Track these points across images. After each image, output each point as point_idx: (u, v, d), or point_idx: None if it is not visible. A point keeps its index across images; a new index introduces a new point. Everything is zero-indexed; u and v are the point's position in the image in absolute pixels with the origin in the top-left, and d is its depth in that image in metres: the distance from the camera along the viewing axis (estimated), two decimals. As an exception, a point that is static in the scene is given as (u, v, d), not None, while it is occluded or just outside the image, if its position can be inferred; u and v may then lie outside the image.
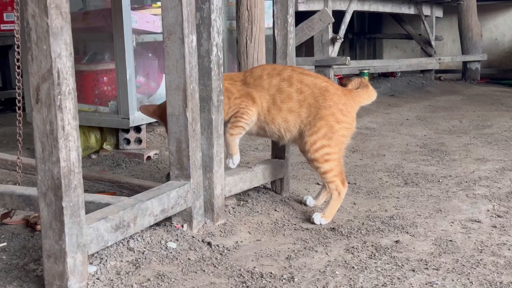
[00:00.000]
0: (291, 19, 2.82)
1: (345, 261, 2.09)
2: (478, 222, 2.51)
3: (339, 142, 2.52)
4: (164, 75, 3.96)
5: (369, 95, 2.65)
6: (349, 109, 2.55)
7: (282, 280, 1.94)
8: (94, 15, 3.92)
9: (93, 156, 3.77)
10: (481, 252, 2.18)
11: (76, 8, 4.20)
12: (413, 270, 2.01)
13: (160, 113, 2.53)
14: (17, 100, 2.32)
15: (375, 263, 2.07)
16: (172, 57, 2.21)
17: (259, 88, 2.53)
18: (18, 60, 2.29)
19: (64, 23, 1.64)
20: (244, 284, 1.91)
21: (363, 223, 2.50)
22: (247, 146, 4.01)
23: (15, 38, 2.29)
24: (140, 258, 2.06)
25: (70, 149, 1.68)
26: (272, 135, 2.61)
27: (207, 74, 2.32)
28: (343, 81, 6.74)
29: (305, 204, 2.75)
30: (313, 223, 2.50)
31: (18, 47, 2.30)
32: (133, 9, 3.66)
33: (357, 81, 2.71)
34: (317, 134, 2.48)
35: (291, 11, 2.82)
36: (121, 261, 2.03)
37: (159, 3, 3.92)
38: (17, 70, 2.29)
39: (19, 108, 2.32)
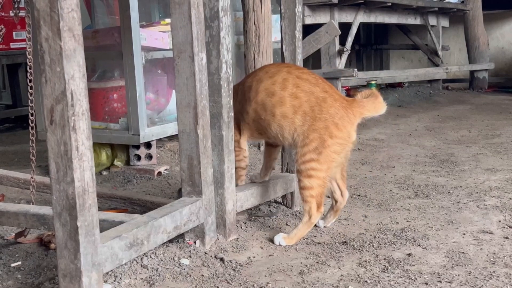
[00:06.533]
0: (298, 34, 2.84)
1: (358, 275, 2.10)
2: (490, 233, 2.51)
3: (329, 159, 2.40)
4: (173, 91, 4.02)
5: (376, 107, 2.48)
6: (345, 124, 2.41)
7: (295, 296, 1.95)
8: (103, 33, 3.96)
9: (104, 173, 3.80)
10: (493, 264, 2.17)
11: (84, 25, 4.24)
12: (426, 283, 2.01)
13: None
14: (30, 120, 2.35)
15: (388, 276, 2.08)
16: (182, 75, 2.24)
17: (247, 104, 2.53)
18: (30, 81, 2.32)
19: (77, 45, 1.67)
20: (257, 300, 1.92)
21: (374, 236, 2.50)
22: (256, 160, 4.02)
23: (28, 59, 2.33)
24: (154, 275, 2.07)
25: (84, 169, 1.70)
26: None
27: (217, 91, 2.34)
28: (350, 92, 6.75)
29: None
30: (272, 242, 2.44)
31: (30, 68, 2.34)
32: (142, 26, 3.71)
33: (367, 92, 2.55)
34: (308, 146, 2.40)
35: (299, 27, 2.84)
36: (135, 278, 2.04)
37: (167, 20, 3.96)
38: (30, 90, 2.32)
39: (32, 128, 2.35)
